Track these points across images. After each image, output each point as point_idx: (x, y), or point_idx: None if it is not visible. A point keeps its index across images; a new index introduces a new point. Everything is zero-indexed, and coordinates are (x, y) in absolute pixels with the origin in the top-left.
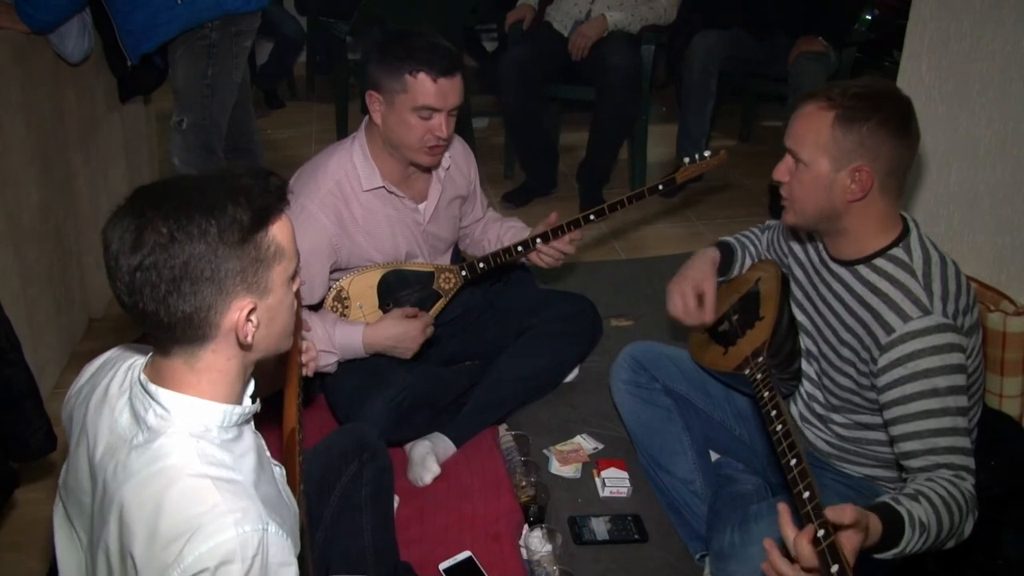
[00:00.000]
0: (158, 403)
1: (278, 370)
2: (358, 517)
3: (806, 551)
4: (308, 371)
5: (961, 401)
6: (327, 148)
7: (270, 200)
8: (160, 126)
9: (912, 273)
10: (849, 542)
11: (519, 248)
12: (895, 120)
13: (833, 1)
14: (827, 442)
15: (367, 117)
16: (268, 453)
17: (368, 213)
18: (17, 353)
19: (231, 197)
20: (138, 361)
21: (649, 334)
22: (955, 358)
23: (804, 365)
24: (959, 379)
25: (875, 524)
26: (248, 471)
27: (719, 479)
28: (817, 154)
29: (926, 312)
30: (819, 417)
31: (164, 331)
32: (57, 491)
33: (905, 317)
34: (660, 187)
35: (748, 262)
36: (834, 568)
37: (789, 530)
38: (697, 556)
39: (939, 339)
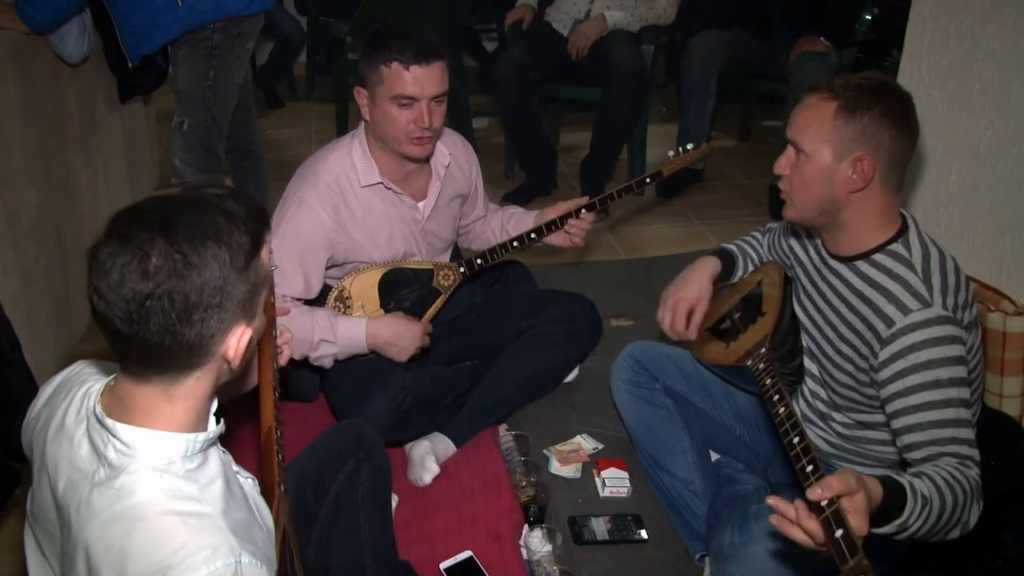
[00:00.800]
0: (118, 439)
1: (238, 376)
2: (355, 516)
3: (811, 524)
4: (284, 358)
5: (963, 393)
6: (327, 144)
7: (260, 224)
8: (160, 126)
9: (911, 267)
10: (853, 504)
11: (515, 243)
12: (896, 111)
13: (834, 1)
14: (828, 442)
15: None
16: (236, 467)
17: (366, 209)
18: (17, 353)
19: (231, 222)
20: (94, 387)
21: (649, 334)
22: (956, 350)
23: (807, 363)
24: (960, 371)
25: (875, 487)
26: (216, 499)
27: (719, 479)
28: (819, 144)
29: (926, 304)
30: (821, 415)
31: (157, 359)
32: (27, 519)
33: (905, 310)
34: (648, 179)
35: (750, 268)
36: (838, 532)
37: (789, 508)
38: (697, 556)
39: (940, 331)
